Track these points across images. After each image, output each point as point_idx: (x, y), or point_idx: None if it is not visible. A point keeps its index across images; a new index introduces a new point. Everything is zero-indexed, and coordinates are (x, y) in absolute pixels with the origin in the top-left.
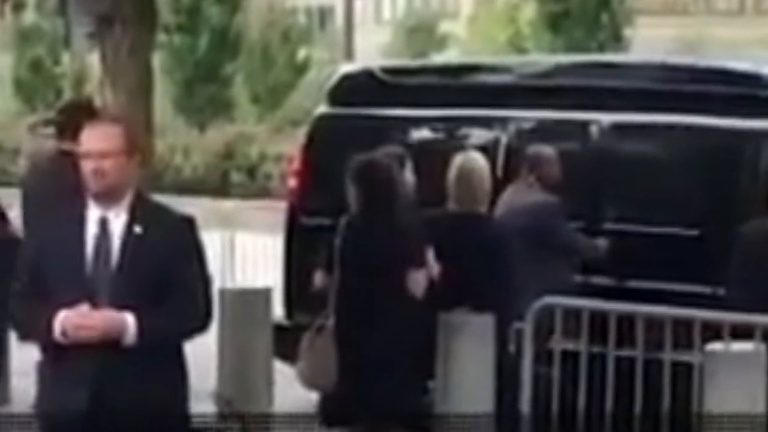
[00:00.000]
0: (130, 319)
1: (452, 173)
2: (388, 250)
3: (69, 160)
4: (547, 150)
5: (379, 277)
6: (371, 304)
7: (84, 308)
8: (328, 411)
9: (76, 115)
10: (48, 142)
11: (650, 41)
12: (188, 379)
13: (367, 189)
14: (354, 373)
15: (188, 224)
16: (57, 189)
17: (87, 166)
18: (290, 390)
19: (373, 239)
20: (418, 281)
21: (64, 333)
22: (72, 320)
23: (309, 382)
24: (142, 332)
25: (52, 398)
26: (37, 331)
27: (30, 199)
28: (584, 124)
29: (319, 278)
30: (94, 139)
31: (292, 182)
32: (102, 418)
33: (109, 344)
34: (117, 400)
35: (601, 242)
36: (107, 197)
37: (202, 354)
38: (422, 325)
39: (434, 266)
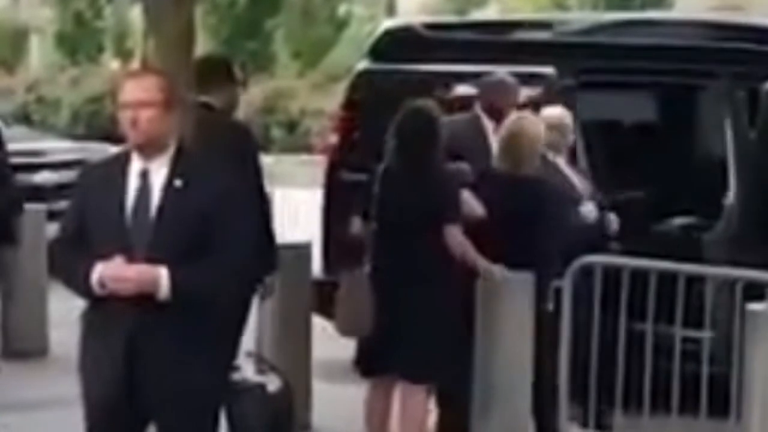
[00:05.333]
0: (163, 272)
1: (501, 132)
2: (424, 201)
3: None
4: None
5: (413, 228)
6: (406, 253)
7: (119, 260)
8: (362, 361)
9: (209, 69)
10: None
11: None
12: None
13: (408, 136)
14: (388, 323)
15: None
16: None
17: (124, 117)
18: (328, 344)
19: (409, 189)
20: (455, 236)
21: (101, 284)
22: (108, 272)
23: (344, 329)
24: (175, 287)
25: (92, 349)
26: (77, 280)
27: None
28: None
29: (355, 225)
30: (131, 89)
31: (332, 137)
32: (137, 372)
33: (146, 298)
34: (152, 354)
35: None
36: (145, 149)
37: None
38: (460, 280)
39: (477, 207)
